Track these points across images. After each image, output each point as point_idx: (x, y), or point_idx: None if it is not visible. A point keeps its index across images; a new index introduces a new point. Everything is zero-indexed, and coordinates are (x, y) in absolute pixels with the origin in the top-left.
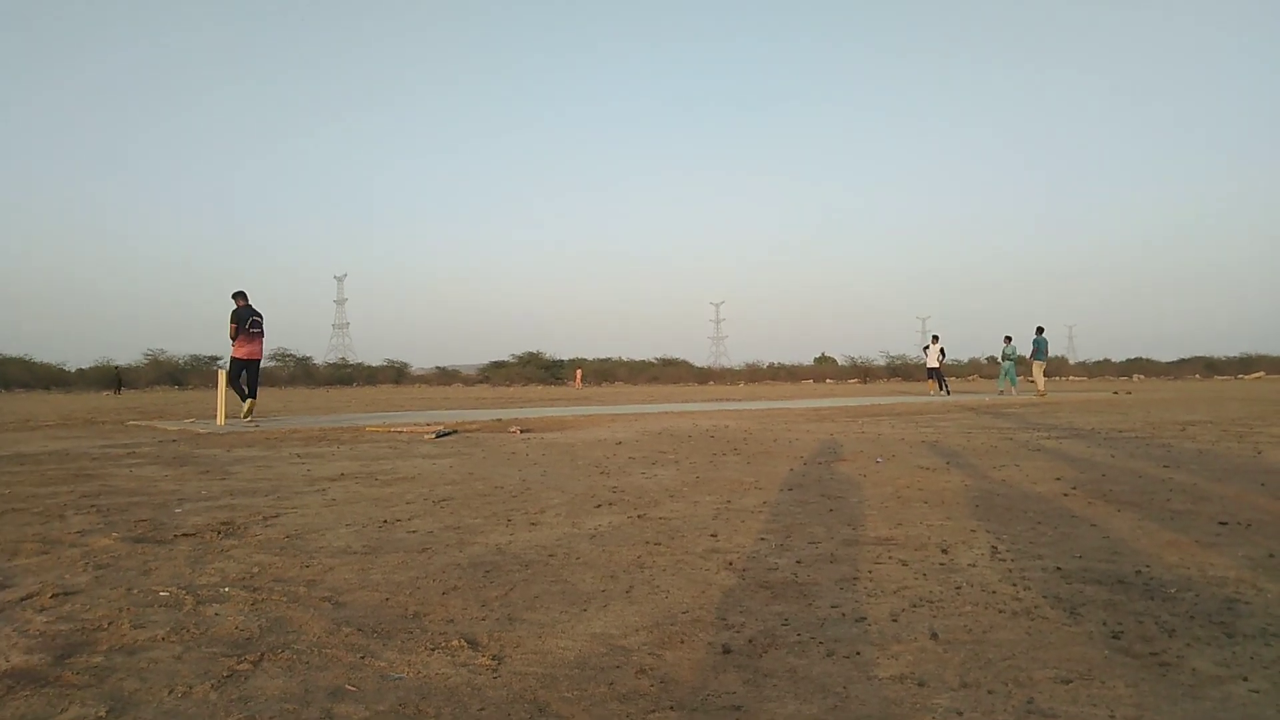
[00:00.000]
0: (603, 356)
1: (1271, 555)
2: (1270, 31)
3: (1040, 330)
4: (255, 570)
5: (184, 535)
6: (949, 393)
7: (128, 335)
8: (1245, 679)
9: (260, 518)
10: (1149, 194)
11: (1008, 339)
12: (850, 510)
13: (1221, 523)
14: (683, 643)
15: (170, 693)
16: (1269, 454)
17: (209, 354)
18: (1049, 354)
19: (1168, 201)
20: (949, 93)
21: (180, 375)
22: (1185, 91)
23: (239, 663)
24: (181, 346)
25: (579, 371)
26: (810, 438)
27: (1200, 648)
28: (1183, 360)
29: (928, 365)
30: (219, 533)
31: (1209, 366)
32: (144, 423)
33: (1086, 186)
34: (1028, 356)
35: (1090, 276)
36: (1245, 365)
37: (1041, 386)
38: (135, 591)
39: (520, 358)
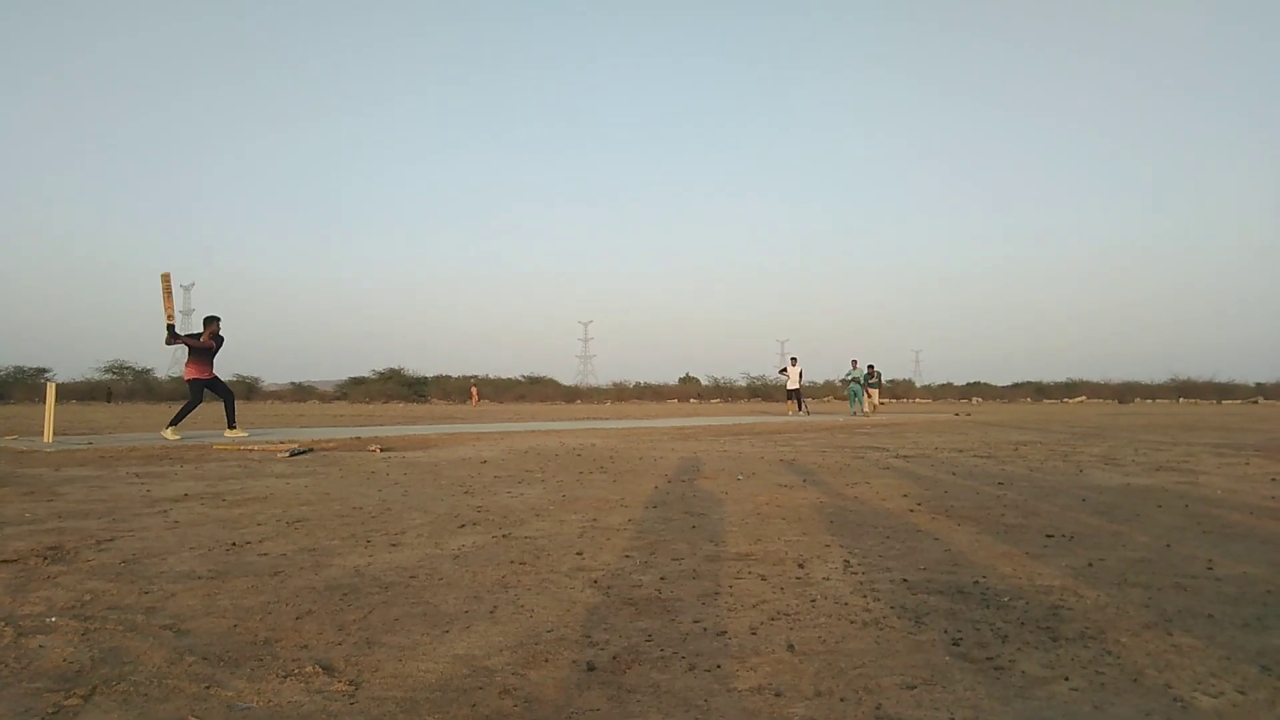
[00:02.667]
0: (468, 374)
1: (1091, 565)
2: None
3: (871, 367)
4: (87, 598)
5: (3, 562)
6: (808, 413)
7: None
8: (1067, 679)
9: (93, 541)
10: (985, 227)
11: (854, 363)
12: (712, 527)
13: (1048, 535)
14: (547, 661)
15: None
16: (1089, 473)
17: (35, 365)
18: (880, 382)
19: (1003, 235)
20: (807, 112)
21: (1, 389)
22: (1033, 148)
23: (67, 698)
24: (3, 356)
25: (474, 389)
26: (675, 456)
27: (1029, 651)
28: (1016, 385)
29: (788, 386)
30: (45, 558)
31: (1039, 391)
32: None
33: (931, 219)
34: (862, 384)
35: (935, 304)
36: (1070, 390)
37: (868, 408)
38: None
39: (381, 374)
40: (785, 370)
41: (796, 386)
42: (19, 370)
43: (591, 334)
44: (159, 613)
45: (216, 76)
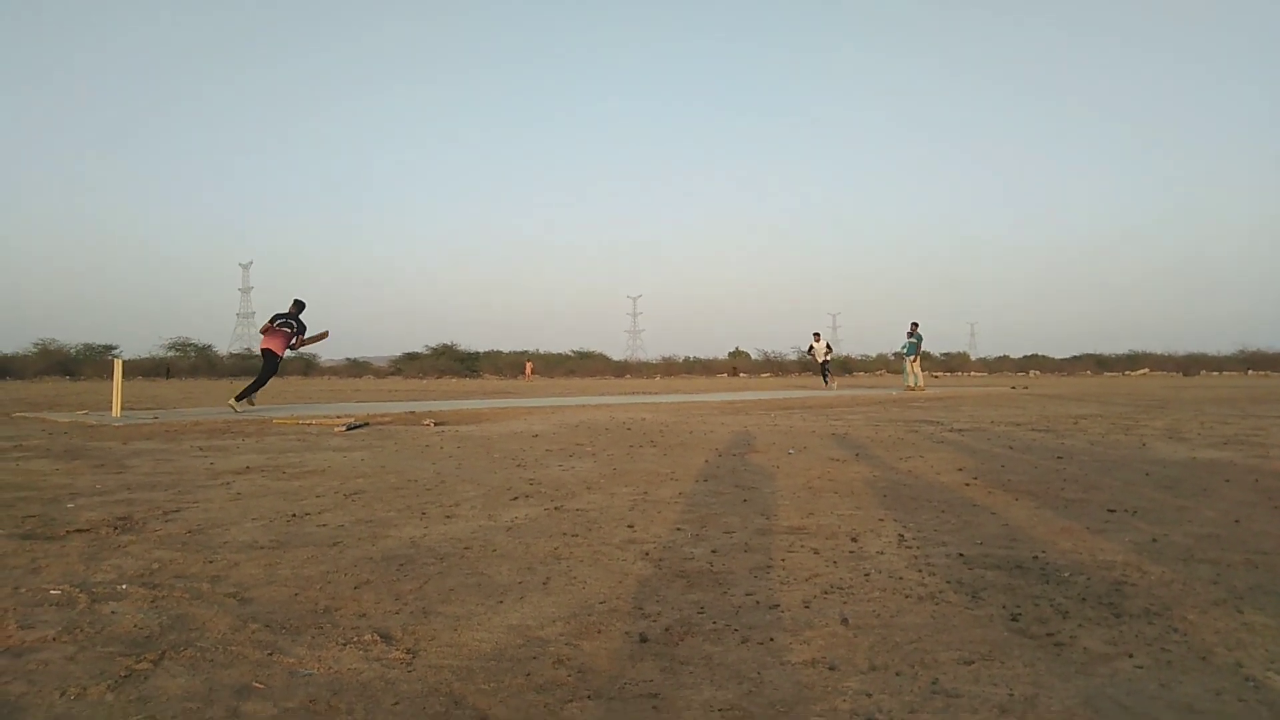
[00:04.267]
0: (519, 349)
1: (1155, 540)
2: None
3: (914, 325)
4: (155, 566)
5: (77, 531)
6: (832, 386)
7: (13, 323)
8: (1131, 655)
9: (160, 512)
10: (1041, 196)
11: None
12: (763, 500)
13: (1110, 510)
14: (600, 633)
15: (62, 695)
16: (1153, 446)
17: (103, 343)
18: (920, 349)
19: (1060, 203)
20: (869, 96)
21: (72, 365)
22: (1089, 111)
23: (138, 662)
24: (73, 335)
25: (529, 364)
26: (725, 430)
27: (1091, 628)
28: (1075, 357)
29: (818, 360)
30: (115, 528)
31: (1099, 363)
32: (32, 414)
33: (985, 189)
34: (903, 353)
35: (990, 274)
36: (1132, 362)
37: (911, 382)
38: (23, 590)
39: (434, 349)
40: (811, 349)
41: (824, 359)
42: (88, 347)
43: (640, 309)
44: (223, 581)
45: (264, 59)
